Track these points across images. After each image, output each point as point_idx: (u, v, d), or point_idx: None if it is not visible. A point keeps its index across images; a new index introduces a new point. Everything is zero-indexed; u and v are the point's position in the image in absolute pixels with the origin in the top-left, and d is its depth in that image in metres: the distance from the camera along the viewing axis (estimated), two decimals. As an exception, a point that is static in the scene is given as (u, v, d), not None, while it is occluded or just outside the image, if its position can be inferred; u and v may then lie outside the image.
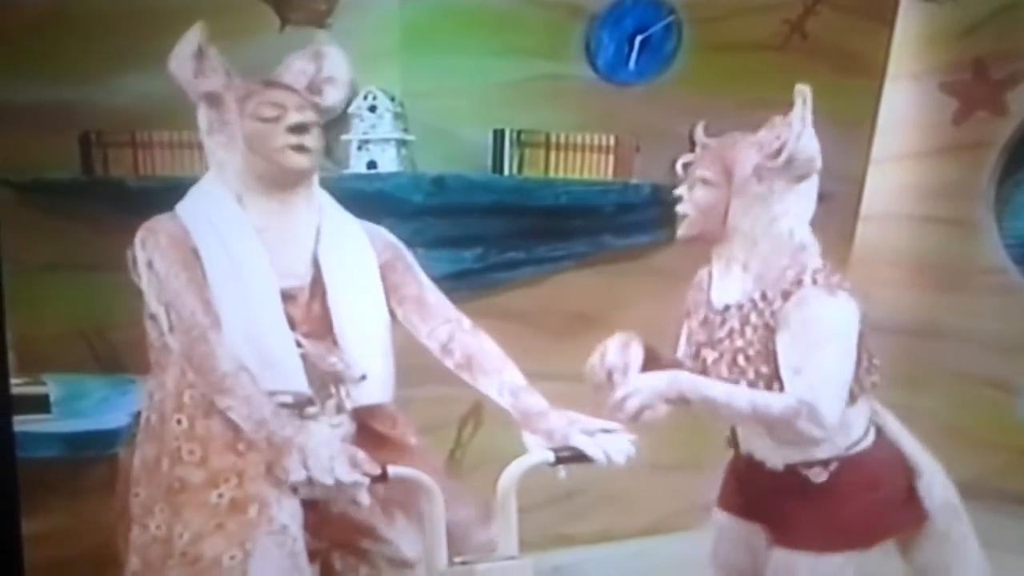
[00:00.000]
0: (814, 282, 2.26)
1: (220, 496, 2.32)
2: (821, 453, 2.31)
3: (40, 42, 3.58)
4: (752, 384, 2.29)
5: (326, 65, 2.56)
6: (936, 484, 2.39)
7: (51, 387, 3.24)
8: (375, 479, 2.27)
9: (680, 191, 2.40)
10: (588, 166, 3.80)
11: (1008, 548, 3.76)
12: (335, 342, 2.46)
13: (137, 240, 2.39)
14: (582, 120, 3.82)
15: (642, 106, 3.89)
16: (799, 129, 2.29)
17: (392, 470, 2.27)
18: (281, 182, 2.43)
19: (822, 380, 2.22)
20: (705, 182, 2.35)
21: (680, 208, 2.40)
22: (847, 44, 4.27)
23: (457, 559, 2.26)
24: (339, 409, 2.49)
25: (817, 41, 4.16)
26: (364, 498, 2.24)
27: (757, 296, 2.30)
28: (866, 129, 4.51)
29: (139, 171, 3.53)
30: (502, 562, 2.27)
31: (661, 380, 2.30)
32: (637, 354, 2.41)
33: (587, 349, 3.96)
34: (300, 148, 2.41)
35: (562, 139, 3.77)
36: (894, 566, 2.50)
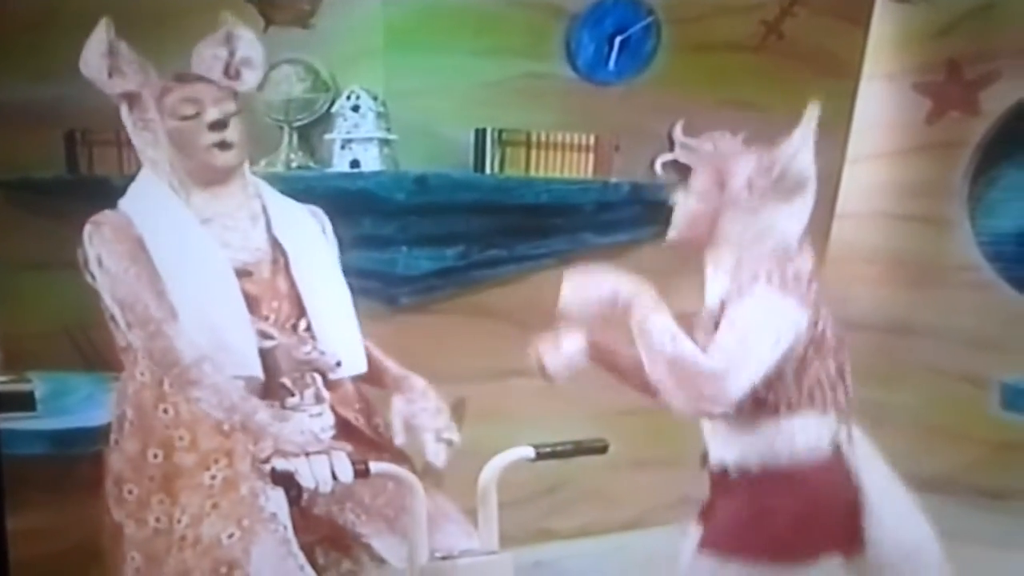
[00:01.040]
0: (769, 280, 2.28)
1: (213, 477, 2.33)
2: (752, 454, 2.32)
3: (25, 40, 3.58)
4: None
5: (239, 47, 2.52)
6: (889, 524, 2.35)
7: (36, 384, 3.23)
8: (357, 474, 2.29)
9: (675, 198, 2.43)
10: (568, 165, 3.82)
11: (981, 542, 3.83)
12: (304, 317, 2.47)
13: (85, 236, 2.39)
14: (562, 119, 3.84)
15: (621, 105, 3.92)
16: (796, 147, 2.31)
17: (374, 466, 2.28)
18: (212, 178, 2.44)
19: (735, 358, 2.22)
20: (698, 192, 2.37)
21: (674, 214, 2.41)
22: (823, 45, 4.30)
23: (438, 554, 2.27)
24: (318, 399, 2.51)
25: (793, 42, 4.19)
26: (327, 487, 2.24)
27: (727, 297, 2.34)
28: (842, 129, 4.55)
29: (124, 170, 3.48)
30: (482, 557, 2.28)
31: (602, 283, 2.34)
32: (575, 344, 2.42)
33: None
34: (223, 145, 2.41)
35: (543, 138, 3.79)
36: None
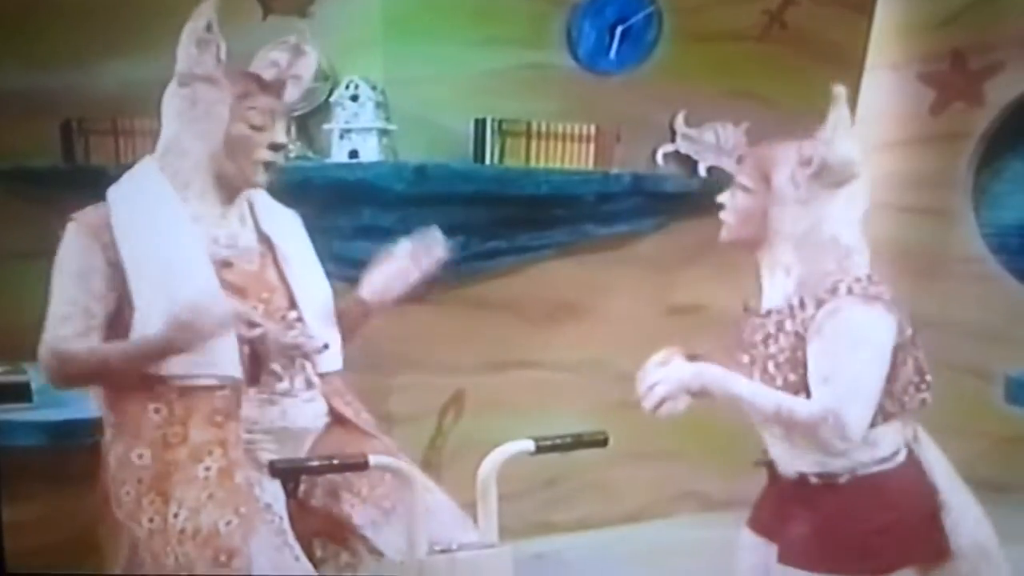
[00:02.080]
0: (850, 291, 2.21)
1: (207, 469, 2.32)
2: (838, 465, 2.24)
3: (22, 29, 3.57)
4: (780, 390, 2.24)
5: (299, 63, 2.53)
6: (966, 523, 2.29)
7: (32, 375, 3.18)
8: (356, 467, 2.28)
9: (723, 197, 2.37)
10: (569, 155, 3.80)
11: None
12: (294, 309, 2.47)
13: (65, 231, 2.40)
14: (563, 109, 3.83)
15: (623, 95, 3.90)
16: (830, 136, 2.24)
17: (373, 459, 2.27)
18: (233, 186, 2.45)
19: (848, 390, 2.15)
20: (744, 188, 2.31)
21: (722, 214, 2.35)
22: (826, 34, 4.28)
23: (437, 547, 2.25)
24: (309, 384, 2.50)
25: (797, 31, 4.17)
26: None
27: (796, 302, 2.25)
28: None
29: (120, 159, 3.51)
30: (482, 550, 2.26)
31: (686, 371, 2.25)
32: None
33: (568, 337, 3.99)
34: (270, 165, 2.45)
35: (543, 128, 3.77)
36: None
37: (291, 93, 2.53)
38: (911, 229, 4.69)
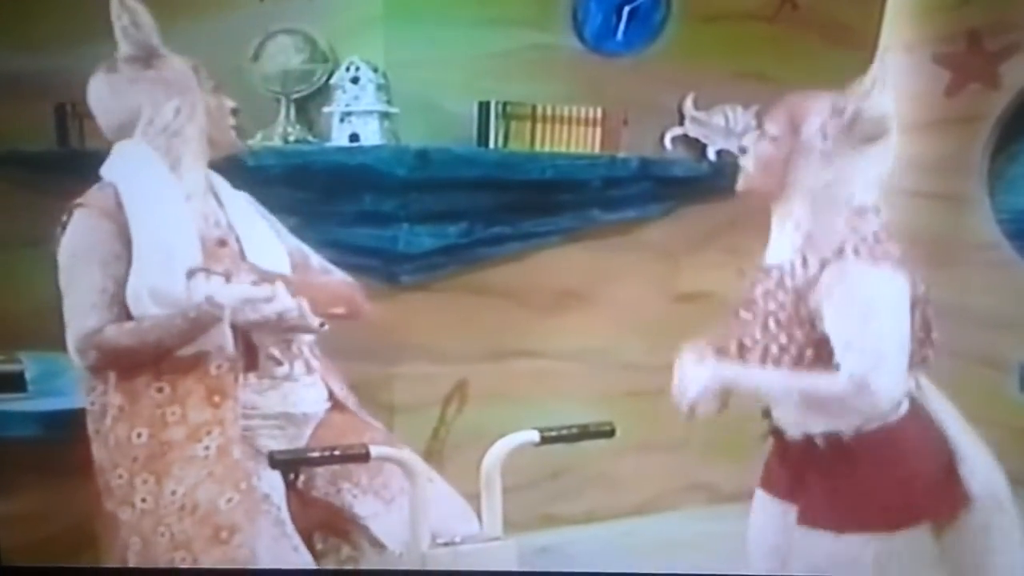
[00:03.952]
0: (856, 252, 2.19)
1: (207, 448, 2.34)
2: (840, 422, 2.23)
3: (15, 11, 3.53)
4: (783, 348, 2.22)
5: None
6: (980, 471, 2.28)
7: (27, 365, 3.19)
8: (357, 459, 2.24)
9: (745, 142, 2.33)
10: (575, 139, 3.76)
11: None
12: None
13: (75, 217, 2.41)
14: (569, 92, 3.78)
15: (630, 78, 3.85)
16: (868, 88, 2.21)
17: (375, 450, 2.24)
18: (213, 156, 2.52)
19: (872, 354, 2.14)
20: (771, 136, 2.28)
21: (742, 161, 2.33)
22: (838, 14, 4.23)
23: (440, 540, 2.22)
24: (308, 368, 2.50)
25: (808, 11, 4.12)
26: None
27: (799, 260, 2.22)
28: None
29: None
30: (486, 543, 2.23)
31: (704, 377, 2.25)
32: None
33: (574, 325, 3.96)
34: (236, 129, 2.54)
35: (548, 111, 3.73)
36: (925, 555, 2.31)
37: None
38: (924, 214, 4.64)
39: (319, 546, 2.56)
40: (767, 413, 2.36)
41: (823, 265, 2.19)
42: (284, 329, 2.42)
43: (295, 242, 2.64)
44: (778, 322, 2.23)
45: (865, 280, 2.17)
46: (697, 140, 4.03)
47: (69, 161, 3.46)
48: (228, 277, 2.37)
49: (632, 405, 3.11)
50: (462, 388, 3.78)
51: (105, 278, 2.36)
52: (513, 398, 3.60)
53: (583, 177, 3.76)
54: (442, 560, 2.19)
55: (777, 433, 2.36)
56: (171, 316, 2.33)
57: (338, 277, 2.64)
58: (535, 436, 2.32)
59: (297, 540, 2.40)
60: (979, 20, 4.48)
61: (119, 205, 2.38)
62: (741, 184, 2.33)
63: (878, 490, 2.21)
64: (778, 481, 2.37)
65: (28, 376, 3.15)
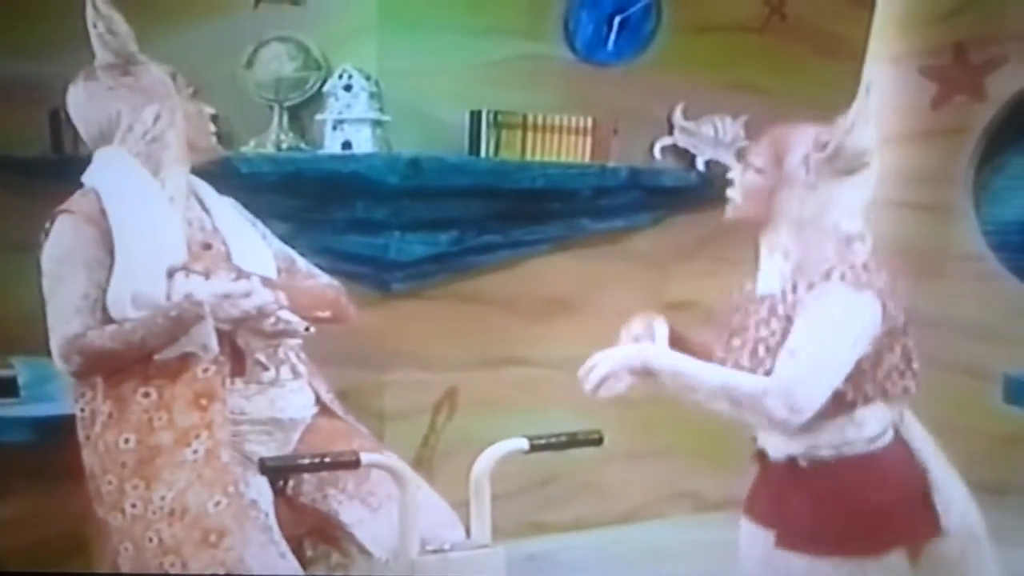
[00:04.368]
0: (843, 277, 2.22)
1: (195, 452, 2.33)
2: (824, 445, 2.25)
3: (9, 17, 3.53)
4: (769, 374, 2.24)
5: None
6: (955, 505, 2.30)
7: (19, 370, 3.19)
8: (347, 465, 2.25)
9: (732, 175, 2.37)
10: (565, 148, 3.77)
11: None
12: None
13: (58, 223, 2.41)
14: (560, 101, 3.80)
15: (620, 87, 3.87)
16: (852, 122, 2.25)
17: (365, 457, 2.24)
18: (195, 161, 2.51)
19: (809, 366, 2.18)
20: (756, 168, 2.32)
21: (729, 191, 2.36)
22: (827, 26, 4.26)
23: (429, 547, 2.22)
24: (295, 373, 2.50)
25: (797, 23, 4.15)
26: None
27: (789, 287, 2.26)
28: (844, 112, 4.49)
29: None
30: (475, 550, 2.23)
31: (629, 350, 2.28)
32: (661, 329, 2.38)
33: (563, 333, 3.97)
34: (216, 135, 2.52)
35: (539, 120, 3.74)
36: None
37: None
38: (910, 225, 4.67)
39: (309, 553, 2.56)
40: (753, 437, 2.39)
41: (810, 288, 2.23)
42: (270, 333, 2.42)
43: (280, 246, 2.64)
44: (767, 348, 2.25)
45: (839, 300, 2.21)
46: (686, 150, 4.05)
47: (63, 167, 3.45)
48: (208, 275, 2.37)
49: (620, 414, 3.10)
50: (452, 396, 3.79)
51: (88, 283, 2.36)
52: (503, 406, 3.61)
53: (573, 186, 3.78)
54: (431, 567, 2.19)
55: (761, 456, 2.38)
56: (153, 315, 2.33)
57: (324, 281, 2.64)
58: (524, 444, 2.32)
59: (284, 547, 2.39)
60: (965, 33, 4.51)
61: (102, 211, 2.38)
62: (729, 213, 2.37)
63: (854, 515, 2.24)
64: (760, 506, 2.39)
65: (20, 381, 3.14)
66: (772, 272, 2.31)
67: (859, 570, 2.23)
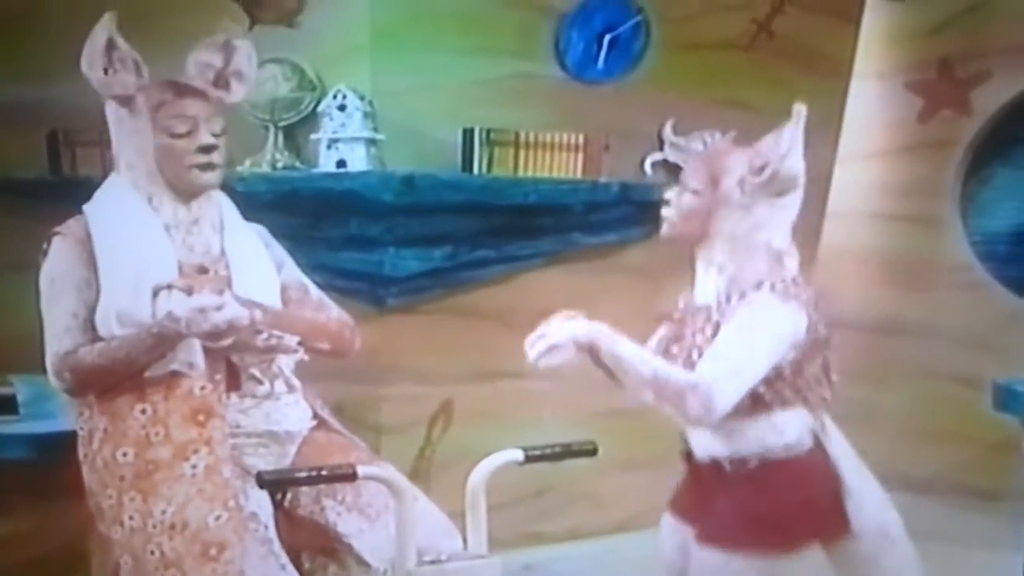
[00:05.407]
0: (772, 288, 2.33)
1: (194, 467, 2.35)
2: (745, 449, 2.36)
3: (9, 41, 3.56)
4: None
5: (235, 59, 2.55)
6: (869, 507, 2.42)
7: (18, 388, 3.20)
8: (344, 478, 2.27)
9: (668, 195, 2.45)
10: (557, 165, 3.79)
11: (973, 543, 3.81)
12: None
13: (52, 244, 2.45)
14: (551, 119, 3.82)
15: (611, 105, 3.90)
16: (786, 149, 2.35)
17: (362, 469, 2.26)
18: (187, 192, 2.48)
19: (729, 368, 2.27)
20: (692, 190, 2.42)
21: (664, 211, 2.46)
22: (814, 43, 4.29)
23: (426, 558, 2.24)
24: (289, 387, 2.52)
25: (784, 40, 4.18)
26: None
27: (724, 298, 2.37)
28: (833, 128, 4.54)
29: (108, 170, 3.41)
30: (471, 561, 2.26)
31: (581, 325, 2.35)
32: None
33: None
34: (207, 166, 2.47)
35: (531, 138, 3.76)
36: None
37: (236, 90, 2.56)
38: (899, 237, 4.70)
39: (307, 565, 2.57)
40: (683, 437, 2.46)
41: (742, 298, 2.34)
42: (262, 348, 2.43)
43: (298, 277, 2.65)
44: (700, 354, 2.35)
45: (765, 307, 2.31)
46: (676, 165, 4.07)
47: (61, 188, 3.50)
48: (190, 292, 2.38)
49: (614, 424, 3.14)
50: (447, 408, 3.80)
51: (77, 303, 2.40)
52: (497, 418, 3.62)
53: (565, 201, 3.80)
54: (428, 579, 2.21)
55: (688, 456, 2.49)
56: (137, 333, 2.35)
57: (334, 315, 2.65)
58: (519, 455, 2.34)
59: (285, 559, 2.41)
60: (950, 48, 4.55)
61: (89, 233, 2.43)
62: (665, 231, 2.47)
63: (769, 516, 2.34)
64: (684, 503, 2.51)
65: (19, 399, 3.15)
66: (708, 285, 2.41)
67: (771, 566, 2.33)
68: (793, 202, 2.41)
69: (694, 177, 2.43)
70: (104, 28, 2.46)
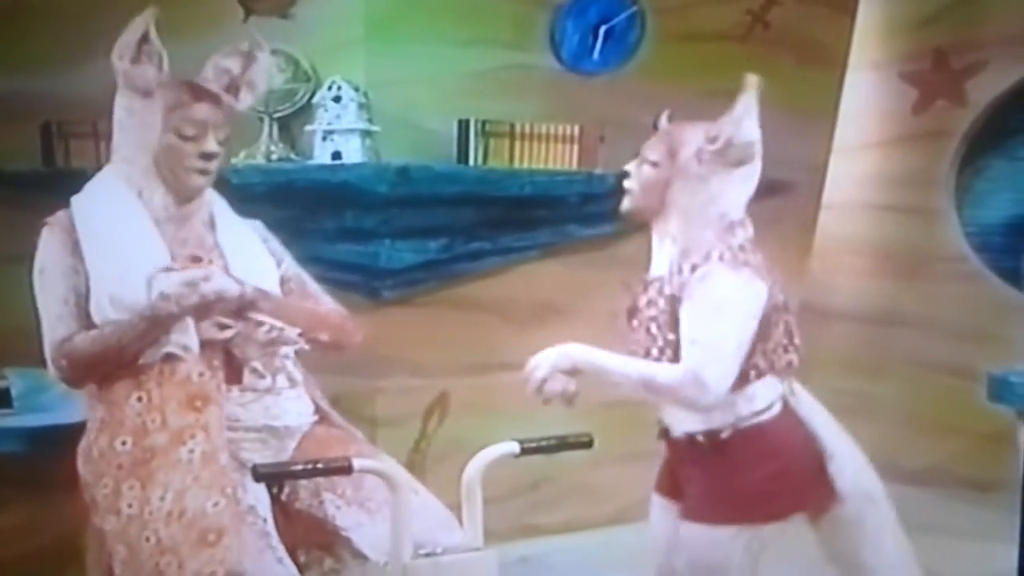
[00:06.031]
0: (721, 258, 2.35)
1: (191, 452, 2.35)
2: (718, 421, 2.38)
3: (2, 32, 3.54)
4: (661, 350, 2.38)
5: (252, 69, 2.58)
6: (849, 469, 2.43)
7: (12, 381, 3.19)
8: (339, 471, 2.27)
9: (629, 167, 2.49)
10: (553, 156, 3.80)
11: (967, 534, 3.82)
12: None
13: (42, 235, 2.45)
14: (547, 110, 3.82)
15: (606, 96, 3.90)
16: (739, 115, 2.38)
17: (358, 463, 2.26)
18: (180, 192, 2.49)
19: (710, 351, 2.29)
20: (651, 162, 2.46)
21: (626, 183, 2.50)
22: (809, 34, 4.30)
23: (422, 551, 2.25)
24: (291, 381, 2.52)
25: (779, 31, 4.18)
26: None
27: (676, 268, 2.40)
28: (828, 118, 4.54)
29: (101, 162, 3.40)
30: (467, 554, 2.26)
31: (553, 353, 2.40)
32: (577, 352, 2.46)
33: (553, 338, 3.98)
34: (204, 172, 2.48)
35: (527, 129, 3.77)
36: (803, 547, 2.51)
37: (245, 98, 2.59)
38: (894, 228, 4.71)
39: (302, 559, 2.55)
40: (659, 418, 2.49)
41: (693, 269, 2.36)
42: (263, 341, 2.44)
43: (295, 271, 2.65)
44: (658, 325, 2.38)
45: (722, 282, 2.33)
46: (672, 156, 4.09)
47: (54, 180, 3.48)
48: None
49: (609, 416, 3.14)
50: (443, 401, 3.80)
51: (67, 290, 2.40)
52: (493, 410, 3.61)
53: (561, 193, 3.80)
54: (423, 571, 2.21)
55: (666, 434, 2.51)
56: (130, 319, 2.36)
57: (333, 308, 2.66)
58: (515, 447, 2.34)
59: (282, 552, 2.40)
60: (945, 39, 4.55)
61: (74, 226, 2.43)
62: (626, 204, 2.50)
63: (749, 485, 2.36)
64: (667, 481, 2.54)
65: (14, 392, 3.15)
66: (662, 257, 2.45)
67: (756, 536, 2.36)
68: (751, 173, 2.43)
69: (653, 149, 2.47)
70: (144, 20, 2.47)
